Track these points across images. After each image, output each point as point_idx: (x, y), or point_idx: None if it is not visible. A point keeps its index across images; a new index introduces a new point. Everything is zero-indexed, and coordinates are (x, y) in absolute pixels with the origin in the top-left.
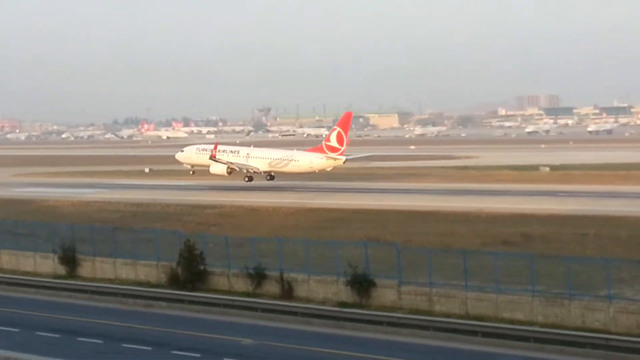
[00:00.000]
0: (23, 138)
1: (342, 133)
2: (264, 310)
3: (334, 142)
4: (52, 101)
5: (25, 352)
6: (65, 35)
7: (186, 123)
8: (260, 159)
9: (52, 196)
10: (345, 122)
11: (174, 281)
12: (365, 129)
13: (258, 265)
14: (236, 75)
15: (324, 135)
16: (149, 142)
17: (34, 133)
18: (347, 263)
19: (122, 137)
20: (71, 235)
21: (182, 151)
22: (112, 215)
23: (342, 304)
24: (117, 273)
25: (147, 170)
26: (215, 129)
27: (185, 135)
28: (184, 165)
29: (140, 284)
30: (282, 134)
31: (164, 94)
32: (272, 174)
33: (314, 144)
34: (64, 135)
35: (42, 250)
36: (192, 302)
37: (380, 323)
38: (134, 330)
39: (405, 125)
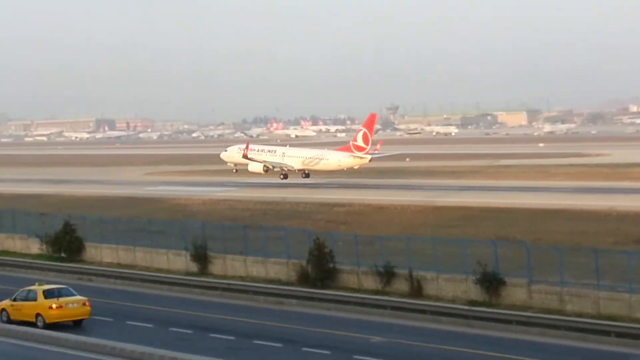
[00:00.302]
0: (155, 137)
1: (368, 133)
2: (393, 308)
3: (360, 142)
4: (183, 101)
5: (160, 347)
6: (195, 32)
7: (314, 122)
8: (294, 158)
9: (184, 194)
10: (370, 123)
11: (304, 279)
12: (493, 127)
13: (387, 263)
14: (364, 73)
15: (453, 134)
16: (278, 140)
17: (166, 132)
18: (476, 261)
19: (252, 136)
20: (202, 233)
21: (226, 151)
22: (242, 213)
23: (472, 303)
24: (247, 270)
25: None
26: (343, 127)
27: (314, 133)
28: (227, 164)
29: (270, 281)
30: (408, 132)
31: (292, 93)
32: (307, 171)
33: (440, 143)
34: (194, 135)
35: (174, 248)
36: (321, 300)
37: (510, 322)
38: (265, 327)
39: (534, 123)
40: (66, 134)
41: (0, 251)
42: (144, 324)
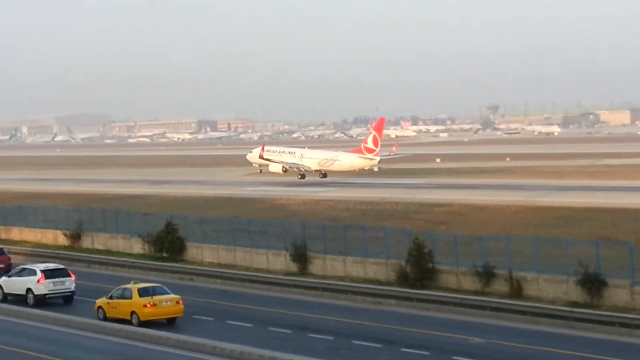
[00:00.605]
0: (256, 138)
1: (377, 136)
2: (492, 308)
3: (370, 144)
4: (284, 101)
5: (259, 346)
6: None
7: (414, 122)
8: (311, 159)
9: (284, 195)
10: (379, 126)
11: (403, 279)
12: (595, 126)
13: (486, 264)
14: (464, 73)
15: (555, 133)
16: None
17: (266, 133)
18: (578, 262)
19: (351, 136)
20: (302, 233)
21: (251, 152)
22: (342, 213)
23: (573, 304)
24: (346, 271)
25: (375, 168)
26: (443, 127)
27: (414, 133)
28: (253, 164)
29: (369, 281)
30: (507, 132)
31: (392, 93)
32: (323, 172)
33: (541, 142)
34: (294, 135)
35: (274, 248)
36: (420, 300)
37: (612, 324)
38: (364, 327)
39: (637, 122)
40: (168, 135)
41: (103, 251)
42: (244, 324)
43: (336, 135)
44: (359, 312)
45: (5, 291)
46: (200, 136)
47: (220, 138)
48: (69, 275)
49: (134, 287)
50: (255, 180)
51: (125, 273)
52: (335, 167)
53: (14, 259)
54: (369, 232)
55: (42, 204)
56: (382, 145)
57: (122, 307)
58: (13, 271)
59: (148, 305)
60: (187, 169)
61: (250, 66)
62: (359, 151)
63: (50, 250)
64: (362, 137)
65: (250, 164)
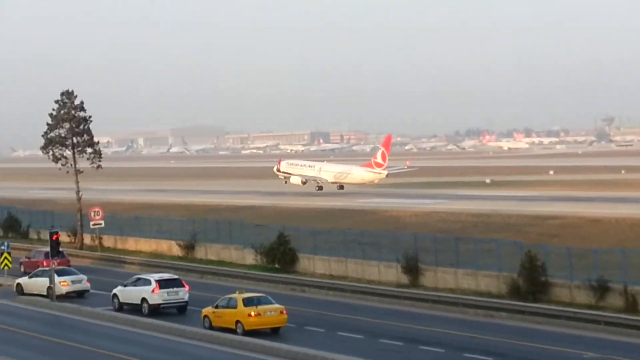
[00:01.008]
0: (368, 150)
1: (385, 152)
2: (607, 323)
3: (379, 159)
4: (397, 113)
5: (368, 358)
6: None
7: (527, 134)
8: (328, 172)
9: (395, 206)
10: (387, 143)
11: (515, 292)
12: None
13: (600, 277)
14: (578, 84)
15: None
16: (490, 152)
17: (379, 145)
18: None
19: (463, 148)
20: (414, 245)
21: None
22: (453, 225)
23: None
24: (458, 283)
25: (488, 181)
26: (557, 139)
27: (526, 145)
28: (279, 176)
29: (480, 294)
30: (618, 144)
31: (505, 104)
32: (339, 184)
33: None
34: (407, 147)
35: (386, 260)
36: (532, 313)
37: None
38: (475, 340)
39: None
40: (282, 146)
41: (216, 261)
42: (355, 335)
43: (448, 147)
44: (470, 324)
45: (121, 300)
46: (313, 148)
47: (332, 150)
48: (183, 286)
49: (239, 296)
50: (367, 192)
51: (238, 284)
52: (348, 179)
53: (130, 269)
54: (480, 244)
55: (157, 214)
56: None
57: (227, 317)
58: (128, 281)
59: (252, 314)
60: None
61: (363, 78)
62: (370, 166)
63: (164, 261)
64: (472, 150)
65: (277, 175)
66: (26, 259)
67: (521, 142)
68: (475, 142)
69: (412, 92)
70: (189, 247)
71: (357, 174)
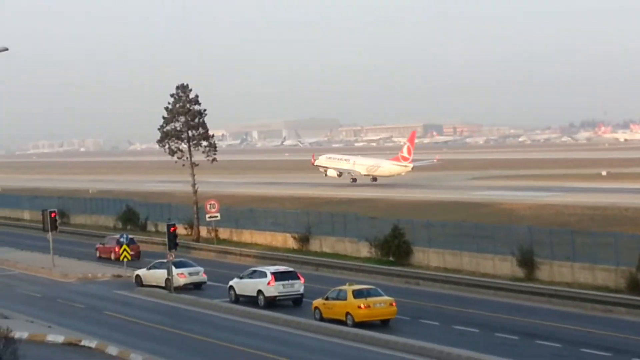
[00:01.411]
0: (481, 142)
1: (410, 147)
2: None
3: (405, 153)
4: (510, 104)
5: (485, 352)
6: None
7: None
8: (361, 165)
9: (509, 199)
10: (412, 138)
11: (634, 287)
12: None
13: None
14: None
15: None
16: (606, 144)
17: (492, 137)
18: None
19: (577, 140)
20: (529, 238)
21: (318, 158)
22: (569, 218)
23: None
24: (574, 277)
25: (604, 173)
26: None
27: None
28: (319, 169)
29: (598, 288)
30: None
31: (622, 93)
32: (372, 176)
33: None
34: (520, 139)
35: (500, 253)
36: None
37: None
38: (592, 335)
39: None
40: (395, 139)
41: (330, 254)
42: (470, 329)
43: (563, 139)
44: (587, 319)
45: (238, 293)
46: (425, 140)
47: (445, 142)
48: (298, 278)
49: (348, 288)
50: (481, 185)
51: (352, 276)
52: (379, 172)
53: (245, 261)
54: (597, 237)
55: (271, 207)
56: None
57: (337, 308)
58: (244, 273)
59: (362, 306)
60: (413, 173)
61: (474, 69)
62: (397, 159)
63: (279, 253)
64: (586, 142)
65: (317, 168)
66: (100, 245)
67: (639, 134)
68: (590, 133)
69: (525, 82)
70: (304, 240)
71: (386, 167)
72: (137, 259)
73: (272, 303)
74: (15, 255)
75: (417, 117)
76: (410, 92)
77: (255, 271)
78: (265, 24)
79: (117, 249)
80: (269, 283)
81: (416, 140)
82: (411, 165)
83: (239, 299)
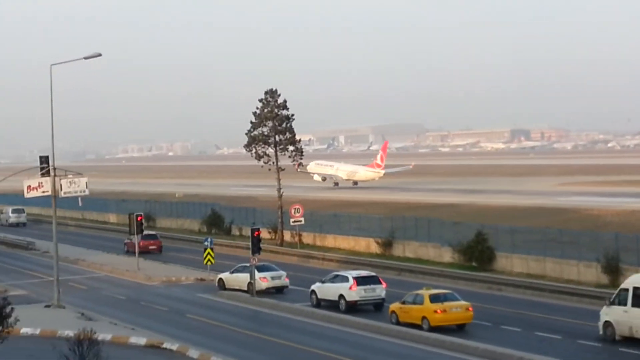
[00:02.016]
0: (569, 147)
1: (383, 155)
2: None
3: (378, 160)
4: (599, 108)
5: (566, 358)
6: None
7: None
8: (343, 171)
9: (596, 205)
10: (384, 148)
11: None
12: None
13: None
14: None
15: None
16: None
17: (580, 142)
18: None
19: None
20: (615, 245)
21: (308, 165)
22: None
23: None
24: None
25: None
26: None
27: None
28: (310, 174)
29: None
30: None
31: None
32: (353, 181)
33: None
34: (609, 145)
35: (585, 259)
36: None
37: None
38: None
39: None
40: (482, 144)
41: (413, 259)
42: (552, 335)
43: None
44: None
45: (319, 297)
46: (513, 145)
47: (532, 147)
48: (380, 283)
49: (425, 293)
50: (567, 190)
51: (434, 281)
52: (357, 177)
53: (328, 265)
54: None
55: (355, 212)
56: None
57: (413, 312)
58: (326, 277)
59: (438, 311)
60: (499, 178)
61: (562, 73)
62: (372, 166)
63: (362, 258)
64: None
65: (306, 174)
66: (128, 240)
67: None
68: None
69: (615, 86)
70: (387, 245)
71: (362, 173)
72: (159, 252)
73: (354, 307)
74: (101, 258)
75: (505, 122)
76: (498, 96)
77: (337, 275)
78: (354, 29)
79: (141, 244)
80: (350, 287)
81: (502, 146)
82: (383, 171)
83: (320, 303)
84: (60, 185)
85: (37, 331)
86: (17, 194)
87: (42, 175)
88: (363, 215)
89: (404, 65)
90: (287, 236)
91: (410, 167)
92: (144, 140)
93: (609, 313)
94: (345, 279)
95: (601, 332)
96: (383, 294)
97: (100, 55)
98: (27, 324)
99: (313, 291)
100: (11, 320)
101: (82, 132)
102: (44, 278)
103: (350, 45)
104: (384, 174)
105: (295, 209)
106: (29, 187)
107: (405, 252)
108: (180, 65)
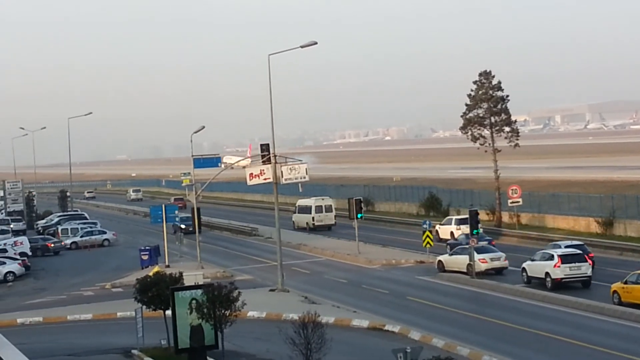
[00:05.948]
0: None
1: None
2: None
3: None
4: None
5: None
6: None
7: None
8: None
9: None
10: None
11: None
12: None
13: None
14: None
15: None
16: None
17: None
18: None
19: None
20: None
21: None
22: None
23: None
24: None
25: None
26: None
27: None
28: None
29: None
30: None
31: None
32: None
33: None
34: None
35: None
36: None
37: None
38: None
39: None
40: None
41: (635, 238)
42: None
43: None
44: None
45: (529, 274)
46: None
47: None
48: (586, 261)
49: None
50: None
51: None
52: None
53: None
54: None
55: (573, 191)
56: None
57: (636, 292)
58: (535, 255)
59: None
60: None
61: None
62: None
63: (582, 237)
64: None
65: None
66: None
67: None
68: None
69: None
70: (608, 224)
71: None
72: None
73: (559, 285)
74: (322, 242)
75: None
76: None
77: (545, 253)
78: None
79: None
80: (555, 265)
81: None
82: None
83: (530, 281)
84: (282, 172)
85: (263, 314)
86: (240, 181)
87: (263, 162)
88: (582, 194)
89: (628, 39)
90: (505, 217)
91: None
92: (361, 126)
93: None
94: (551, 257)
95: None
96: (589, 271)
97: (316, 43)
98: (254, 307)
99: (524, 269)
100: (238, 304)
101: (300, 120)
102: (268, 263)
103: (569, 20)
104: None
105: (512, 189)
106: (251, 174)
107: (627, 232)
108: (395, 57)
